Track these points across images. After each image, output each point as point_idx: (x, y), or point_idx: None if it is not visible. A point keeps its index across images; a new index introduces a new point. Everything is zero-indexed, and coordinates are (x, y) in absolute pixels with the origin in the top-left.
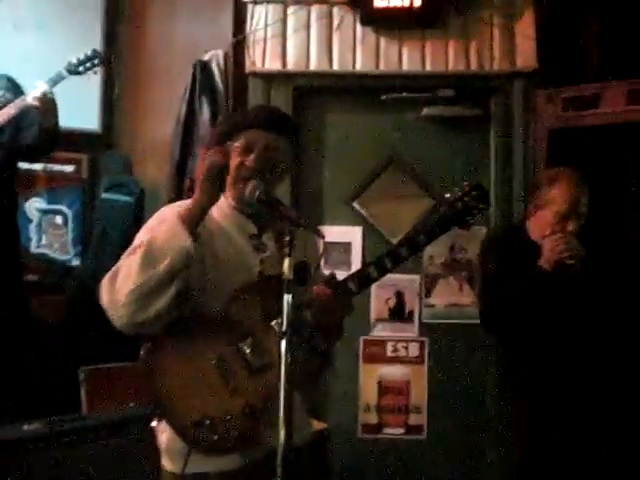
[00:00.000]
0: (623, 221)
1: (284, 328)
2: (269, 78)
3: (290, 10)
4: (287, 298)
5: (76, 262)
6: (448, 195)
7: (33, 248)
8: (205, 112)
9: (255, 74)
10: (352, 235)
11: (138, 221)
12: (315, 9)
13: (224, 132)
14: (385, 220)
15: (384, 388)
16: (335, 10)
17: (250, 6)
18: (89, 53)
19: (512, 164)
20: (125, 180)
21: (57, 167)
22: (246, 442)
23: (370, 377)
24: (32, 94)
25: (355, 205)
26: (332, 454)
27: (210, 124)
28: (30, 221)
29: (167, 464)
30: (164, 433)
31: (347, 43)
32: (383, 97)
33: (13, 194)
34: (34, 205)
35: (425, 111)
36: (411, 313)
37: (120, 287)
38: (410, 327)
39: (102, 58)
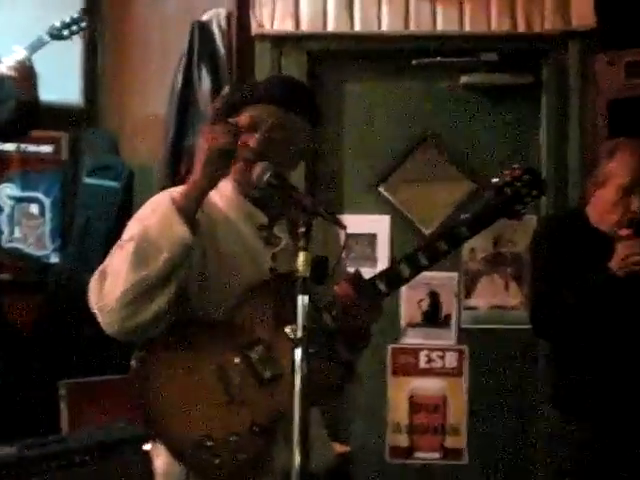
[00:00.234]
0: None
1: (299, 334)
2: (279, 41)
3: None
4: (303, 299)
5: (55, 258)
6: (495, 179)
7: (4, 242)
8: (204, 82)
9: (263, 37)
10: (378, 225)
11: (127, 210)
12: None
13: (227, 106)
14: (417, 208)
15: (416, 405)
16: None
17: None
18: (75, 15)
19: (567, 140)
20: (111, 162)
21: (32, 147)
22: (254, 466)
23: (400, 392)
24: (8, 62)
25: (381, 190)
26: None
27: (210, 96)
28: (1, 210)
29: None
30: (159, 457)
31: None
32: (414, 63)
33: None
34: (5, 192)
35: (464, 79)
36: (448, 317)
37: (109, 290)
38: (447, 333)
39: (89, 21)
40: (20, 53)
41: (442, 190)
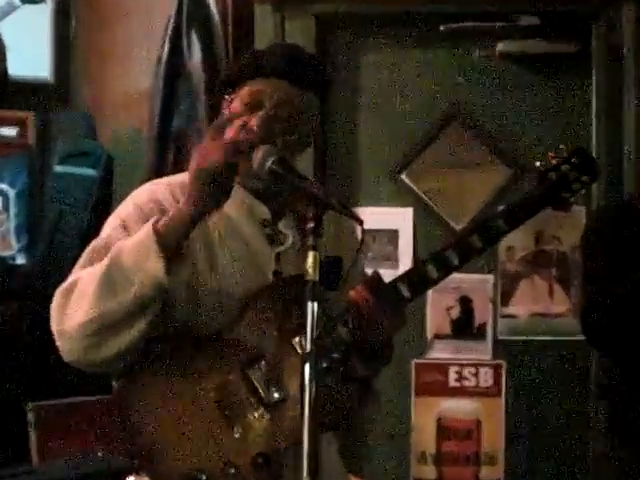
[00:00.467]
0: None
1: (308, 348)
2: (282, 4)
3: None
4: (312, 307)
5: (21, 259)
6: (538, 163)
7: None
8: (196, 53)
9: None
10: (400, 219)
11: (105, 203)
12: None
13: (223, 81)
14: (445, 198)
15: (445, 430)
16: None
17: None
18: None
19: (621, 118)
20: (87, 147)
21: None
22: None
23: (426, 415)
24: None
25: (403, 178)
26: None
27: (203, 70)
28: None
29: None
30: None
31: None
32: (442, 28)
33: None
34: None
35: (500, 47)
36: (482, 327)
37: (72, 313)
38: (481, 346)
39: None
40: None
41: (474, 177)
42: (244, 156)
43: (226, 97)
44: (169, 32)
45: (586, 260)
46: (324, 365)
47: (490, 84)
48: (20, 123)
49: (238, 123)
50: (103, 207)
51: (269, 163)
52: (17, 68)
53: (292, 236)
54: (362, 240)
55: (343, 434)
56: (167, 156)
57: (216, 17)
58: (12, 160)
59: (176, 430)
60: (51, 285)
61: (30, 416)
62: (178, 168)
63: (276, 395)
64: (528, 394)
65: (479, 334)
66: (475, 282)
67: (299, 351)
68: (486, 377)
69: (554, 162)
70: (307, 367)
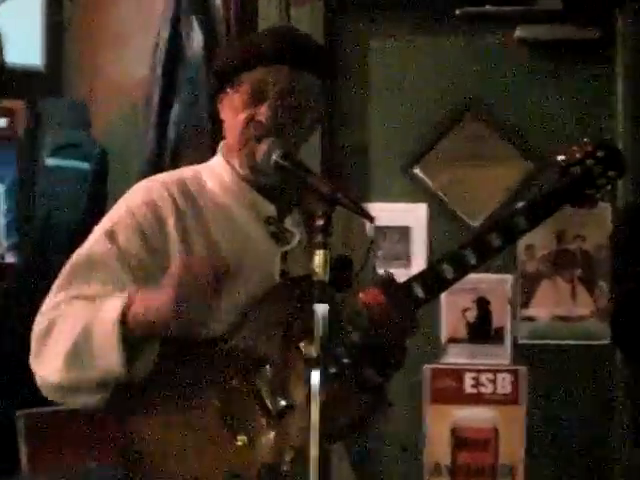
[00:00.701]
0: None
1: (316, 352)
2: None
3: None
4: (321, 309)
5: (10, 258)
6: (561, 157)
7: None
8: (196, 39)
9: None
10: (412, 216)
11: (99, 198)
12: None
13: (221, 72)
14: (461, 194)
15: (461, 439)
16: None
17: None
18: None
19: None
20: (80, 138)
21: None
22: None
23: (440, 424)
24: None
25: (416, 172)
26: None
27: (204, 57)
28: None
29: None
30: None
31: None
32: (457, 12)
33: None
34: None
35: (519, 32)
36: (500, 330)
37: (46, 363)
38: (499, 351)
39: None
40: None
41: (491, 172)
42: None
43: (227, 91)
44: (168, 17)
45: (615, 259)
46: (333, 371)
47: (508, 72)
48: (9, 113)
49: (243, 117)
50: (97, 202)
51: (275, 157)
52: (7, 55)
53: (299, 234)
54: (374, 238)
55: (352, 445)
56: (166, 147)
57: (218, 1)
58: (0, 153)
59: (176, 439)
60: (42, 286)
61: (20, 425)
62: (177, 160)
63: (282, 403)
64: (549, 402)
65: (497, 338)
66: (493, 282)
67: (306, 356)
68: (504, 383)
69: (578, 156)
70: (315, 373)
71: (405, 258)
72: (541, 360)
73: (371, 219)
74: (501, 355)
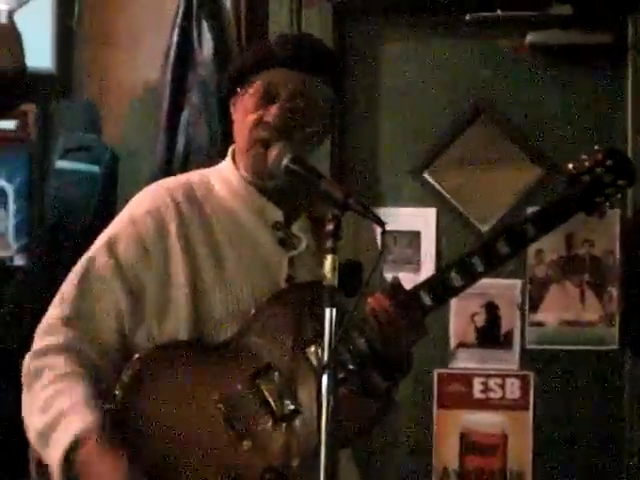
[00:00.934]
0: None
1: (326, 358)
2: None
3: None
4: (330, 314)
5: (20, 260)
6: (570, 165)
7: None
8: (206, 43)
9: None
10: (422, 221)
11: (109, 201)
12: None
13: (234, 75)
14: (471, 198)
15: (469, 444)
16: None
17: None
18: None
19: None
20: (90, 141)
21: None
22: None
23: (449, 428)
24: None
25: (426, 177)
26: None
27: (214, 60)
28: None
29: None
30: None
31: None
32: (468, 17)
33: None
34: None
35: (530, 37)
36: (509, 335)
37: (27, 414)
38: (508, 356)
39: None
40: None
41: (502, 176)
42: None
43: (238, 91)
44: (178, 20)
45: (624, 264)
46: (340, 376)
47: (519, 77)
48: (20, 116)
49: (252, 118)
50: (107, 206)
51: (285, 161)
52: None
53: (306, 240)
54: (384, 244)
55: (359, 449)
56: (176, 151)
57: (228, 5)
58: (11, 155)
59: (180, 443)
60: (51, 288)
61: None
62: (187, 164)
63: (290, 407)
64: (557, 407)
65: (506, 343)
66: (502, 287)
67: (314, 362)
68: (513, 389)
69: (587, 164)
70: (325, 378)
71: (415, 262)
72: (550, 365)
73: (382, 224)
74: (510, 360)
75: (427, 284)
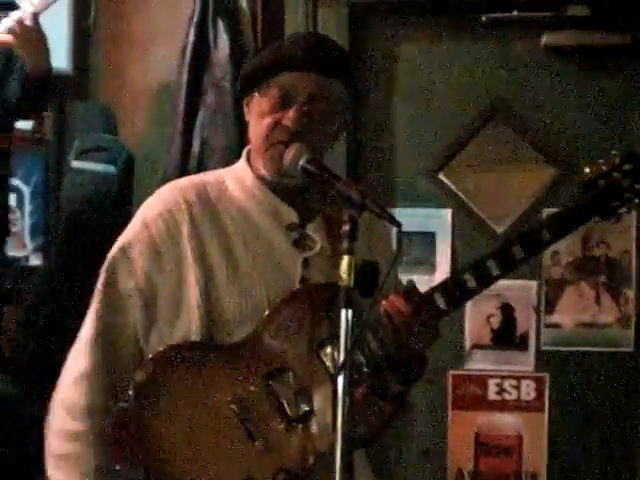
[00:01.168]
0: None
1: (342, 358)
2: None
3: None
4: (346, 315)
5: (36, 260)
6: (587, 169)
7: None
8: (222, 44)
9: None
10: (437, 222)
11: (125, 201)
12: None
13: (249, 76)
14: (486, 199)
15: (484, 446)
16: None
17: None
18: None
19: None
20: (106, 142)
21: None
22: None
23: (464, 429)
24: (3, 23)
25: (441, 178)
26: None
27: (230, 61)
28: None
29: None
30: None
31: None
32: (484, 18)
33: None
34: None
35: (546, 38)
36: (524, 336)
37: (49, 433)
38: (523, 357)
39: None
40: (24, 9)
41: (517, 177)
42: None
43: (255, 94)
44: (194, 21)
45: None
46: (355, 378)
47: (534, 78)
48: (37, 116)
49: (269, 121)
50: (123, 206)
51: (302, 162)
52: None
53: (321, 241)
54: (399, 245)
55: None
56: (192, 152)
57: (244, 5)
58: (27, 156)
59: (192, 443)
60: (67, 288)
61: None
62: (203, 164)
63: (305, 408)
64: (573, 409)
65: (521, 344)
66: (518, 289)
67: (328, 363)
68: (528, 390)
69: (604, 169)
70: (341, 379)
71: (430, 264)
72: (565, 367)
73: (398, 225)
74: (525, 362)
75: (442, 287)
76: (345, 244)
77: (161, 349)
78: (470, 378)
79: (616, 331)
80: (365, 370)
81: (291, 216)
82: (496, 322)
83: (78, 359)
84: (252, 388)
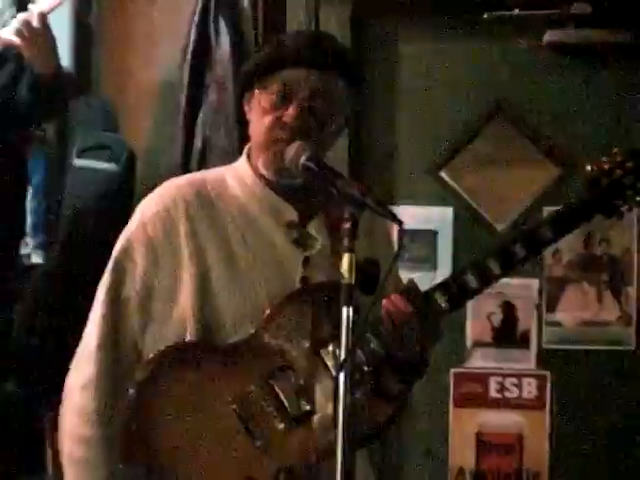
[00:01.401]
0: None
1: (343, 356)
2: None
3: None
4: (347, 313)
5: (37, 258)
6: (589, 167)
7: None
8: (224, 42)
9: None
10: (439, 220)
11: (127, 199)
12: None
13: (249, 73)
14: (488, 198)
15: (485, 444)
16: None
17: None
18: None
19: None
20: (108, 140)
21: None
22: None
23: (465, 428)
24: (12, 25)
25: (443, 176)
26: None
27: (231, 59)
28: None
29: None
30: None
31: None
32: (486, 16)
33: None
34: None
35: (548, 36)
36: (526, 335)
37: (61, 435)
38: (524, 355)
39: None
40: (33, 10)
41: (519, 176)
42: None
43: (255, 91)
44: (196, 18)
45: None
46: (355, 377)
47: (536, 76)
48: (52, 121)
49: (270, 118)
50: (124, 204)
51: (303, 159)
52: None
53: (322, 239)
54: (401, 243)
55: (375, 449)
56: (193, 149)
57: (246, 4)
58: (29, 153)
59: (193, 442)
60: (68, 285)
61: (47, 426)
62: (205, 162)
63: (306, 407)
64: (574, 407)
65: (522, 342)
66: (519, 287)
67: (329, 362)
68: (529, 388)
69: (606, 167)
70: (342, 377)
71: (431, 262)
72: (567, 365)
73: (400, 223)
74: (526, 360)
75: (443, 286)
76: (346, 242)
77: (161, 349)
78: (471, 376)
79: (618, 329)
80: (366, 369)
81: (292, 214)
82: (497, 320)
83: (85, 364)
84: (253, 387)
